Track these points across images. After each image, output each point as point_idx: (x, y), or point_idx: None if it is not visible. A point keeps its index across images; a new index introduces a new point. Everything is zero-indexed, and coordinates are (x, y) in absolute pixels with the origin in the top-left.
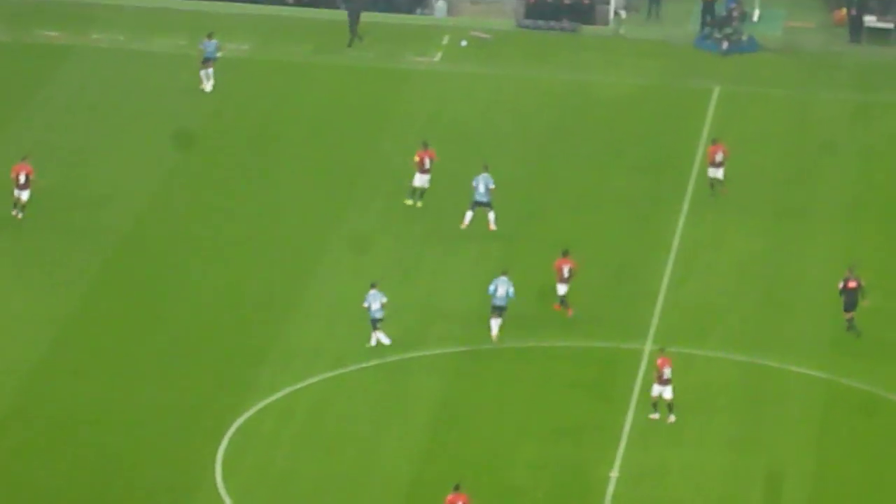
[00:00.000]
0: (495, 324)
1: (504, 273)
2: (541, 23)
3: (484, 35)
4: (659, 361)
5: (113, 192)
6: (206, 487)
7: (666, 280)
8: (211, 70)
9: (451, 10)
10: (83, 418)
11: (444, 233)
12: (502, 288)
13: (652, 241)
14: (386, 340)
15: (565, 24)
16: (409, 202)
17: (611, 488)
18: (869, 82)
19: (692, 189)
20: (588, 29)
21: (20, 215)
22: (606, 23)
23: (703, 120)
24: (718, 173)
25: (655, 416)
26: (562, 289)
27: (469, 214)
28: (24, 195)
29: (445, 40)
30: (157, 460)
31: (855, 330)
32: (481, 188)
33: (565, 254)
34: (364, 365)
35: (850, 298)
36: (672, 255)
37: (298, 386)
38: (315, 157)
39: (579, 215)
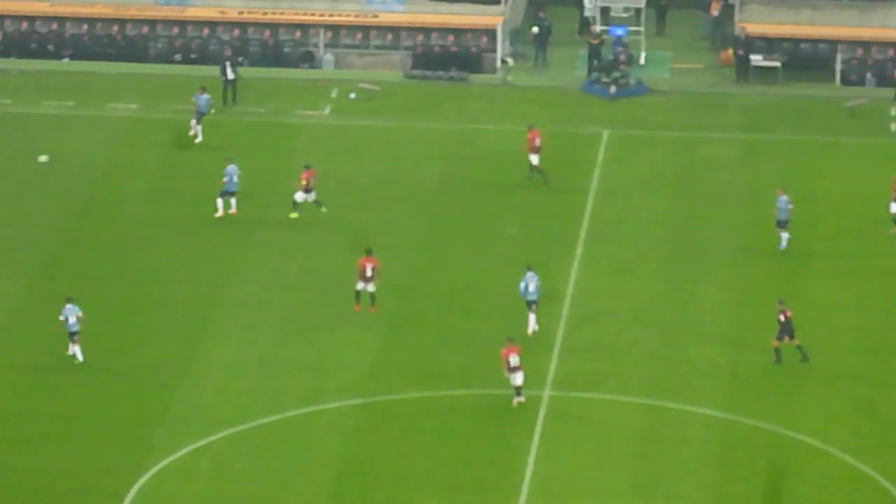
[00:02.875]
0: (532, 319)
1: (530, 268)
2: (429, 73)
3: (372, 87)
4: (503, 352)
5: None
6: None
7: (562, 326)
8: (199, 125)
9: (338, 64)
10: None
11: (339, 285)
12: (532, 283)
13: (547, 288)
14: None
15: (453, 73)
16: (294, 215)
17: None
18: (757, 121)
19: (585, 234)
20: (476, 77)
21: None
22: (494, 71)
23: (594, 164)
24: (535, 160)
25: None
26: (370, 287)
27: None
28: None
29: (334, 93)
30: None
31: (804, 354)
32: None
33: (369, 252)
34: (264, 421)
35: (790, 327)
36: (567, 301)
37: (199, 444)
38: (204, 215)
39: (473, 264)
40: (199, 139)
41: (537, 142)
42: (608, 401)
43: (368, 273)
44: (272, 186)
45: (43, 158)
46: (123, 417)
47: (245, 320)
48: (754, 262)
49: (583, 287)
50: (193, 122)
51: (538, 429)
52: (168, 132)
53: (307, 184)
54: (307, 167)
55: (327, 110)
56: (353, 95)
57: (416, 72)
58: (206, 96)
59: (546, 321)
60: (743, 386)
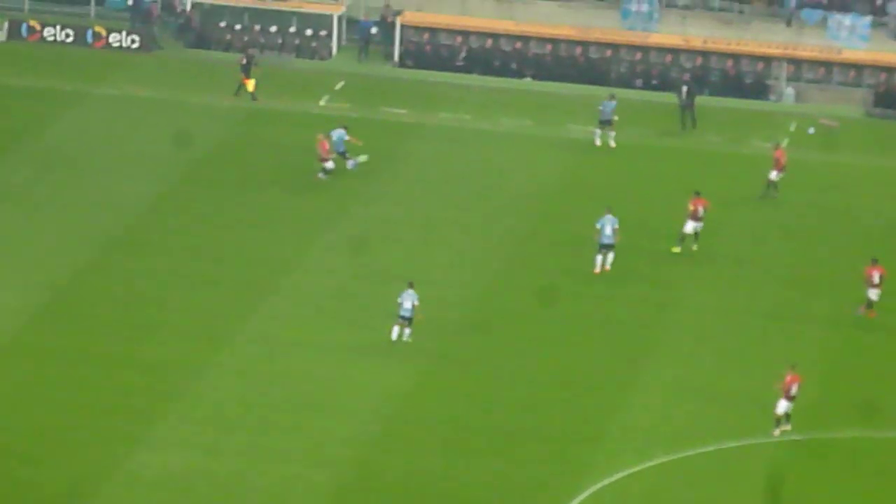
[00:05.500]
0: (599, 260)
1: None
2: (890, 111)
3: (832, 122)
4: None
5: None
6: None
7: None
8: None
9: (799, 97)
10: None
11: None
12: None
13: None
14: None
15: None
16: (676, 249)
17: None
18: None
19: None
20: None
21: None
22: None
23: None
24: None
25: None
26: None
27: (598, 258)
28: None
29: (793, 127)
30: None
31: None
32: (608, 230)
33: (875, 262)
34: (699, 451)
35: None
36: None
37: (634, 469)
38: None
39: None
40: (612, 145)
41: (783, 160)
42: None
43: (876, 280)
44: (719, 217)
45: (362, 158)
46: (563, 434)
47: (688, 346)
48: None
49: None
50: (597, 130)
51: None
52: (622, 156)
53: (695, 212)
54: (697, 194)
55: (784, 143)
56: (812, 130)
57: (878, 110)
58: (613, 103)
59: None
60: None
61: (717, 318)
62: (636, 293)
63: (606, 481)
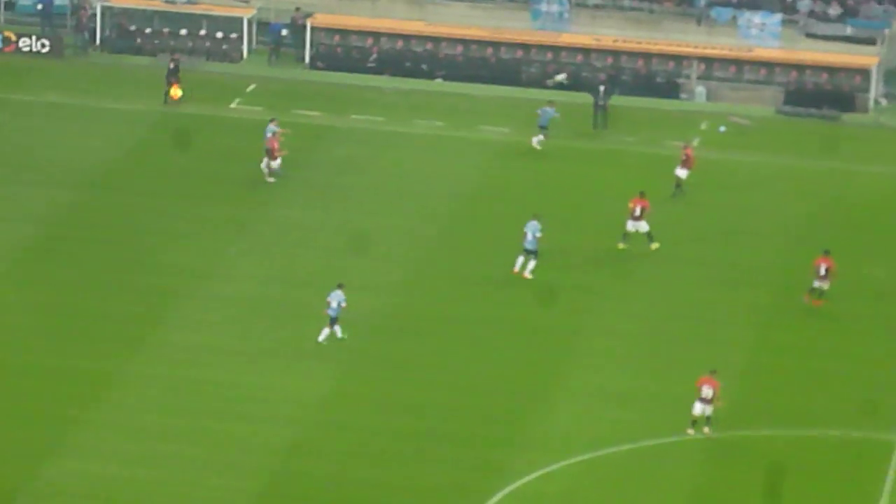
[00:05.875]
0: (521, 260)
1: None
2: (800, 109)
3: (743, 121)
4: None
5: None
6: None
7: None
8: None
9: (710, 96)
10: None
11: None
12: (531, 232)
13: None
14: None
15: (825, 111)
16: (621, 245)
17: None
18: None
19: None
20: (848, 117)
21: None
22: (867, 111)
23: None
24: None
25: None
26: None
27: (520, 259)
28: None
29: (704, 125)
30: None
31: None
32: (529, 236)
33: (826, 253)
34: (615, 449)
35: None
36: None
37: (549, 470)
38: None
39: (835, 305)
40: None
41: (692, 158)
42: None
43: (822, 272)
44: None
45: (560, 77)
46: (477, 438)
47: (609, 349)
48: None
49: None
50: (537, 138)
51: (891, 475)
52: (535, 157)
53: (638, 212)
54: (642, 194)
55: (696, 143)
56: (723, 129)
57: (788, 108)
58: (551, 110)
59: None
60: None
61: (639, 321)
62: (557, 296)
63: (521, 482)
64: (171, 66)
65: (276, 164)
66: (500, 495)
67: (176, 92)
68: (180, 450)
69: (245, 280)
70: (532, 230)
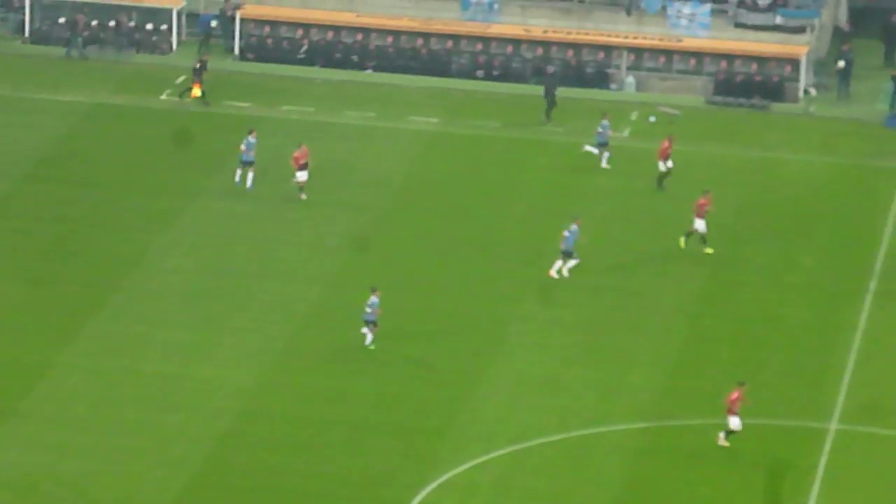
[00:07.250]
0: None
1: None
2: (730, 99)
3: (672, 111)
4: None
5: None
6: None
7: (852, 358)
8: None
9: (640, 86)
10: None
11: (629, 309)
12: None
13: (837, 320)
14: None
15: (755, 101)
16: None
17: None
18: None
19: (880, 268)
20: (778, 106)
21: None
22: (796, 100)
23: (892, 201)
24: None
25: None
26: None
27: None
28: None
29: (634, 116)
30: None
31: None
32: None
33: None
34: (546, 439)
35: None
36: (859, 334)
37: (480, 460)
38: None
39: (763, 293)
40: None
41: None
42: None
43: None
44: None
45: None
46: (407, 427)
47: (535, 337)
48: None
49: (875, 321)
50: (601, 152)
51: (822, 462)
52: (466, 147)
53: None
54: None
55: (626, 133)
56: (652, 119)
57: (718, 98)
58: (607, 123)
59: (837, 353)
60: None
61: (565, 310)
62: (486, 287)
63: (453, 473)
64: (197, 65)
65: (301, 175)
66: (431, 486)
67: (196, 91)
68: (110, 441)
69: (176, 272)
70: (572, 233)
